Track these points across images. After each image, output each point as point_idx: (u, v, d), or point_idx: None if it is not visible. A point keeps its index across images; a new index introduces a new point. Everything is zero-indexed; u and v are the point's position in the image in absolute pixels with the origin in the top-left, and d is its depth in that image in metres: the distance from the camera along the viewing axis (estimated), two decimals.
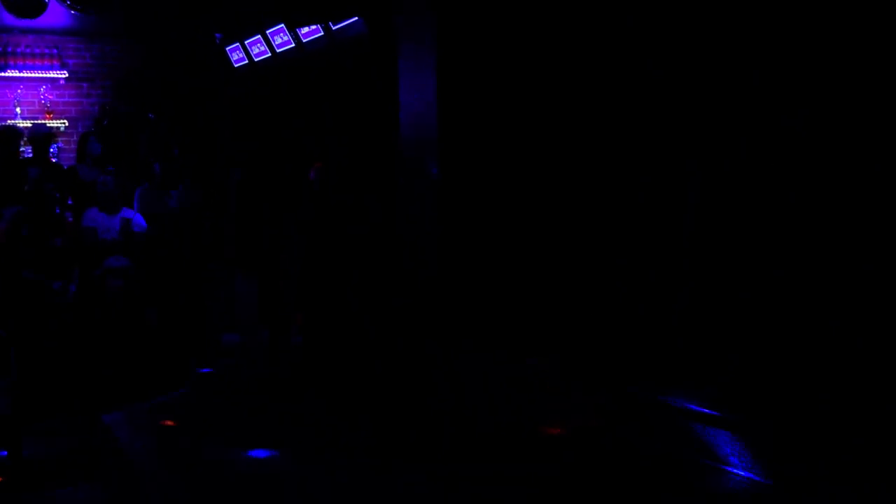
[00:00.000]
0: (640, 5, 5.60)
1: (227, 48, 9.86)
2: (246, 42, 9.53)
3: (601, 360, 5.65)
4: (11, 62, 10.33)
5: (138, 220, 7.42)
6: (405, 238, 6.23)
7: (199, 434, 5.55)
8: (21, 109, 10.37)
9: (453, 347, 5.71)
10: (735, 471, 4.53)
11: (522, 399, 5.60)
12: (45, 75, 10.48)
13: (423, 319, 5.91)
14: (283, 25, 8.83)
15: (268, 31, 9.10)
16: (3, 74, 10.25)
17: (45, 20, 9.29)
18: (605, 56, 5.87)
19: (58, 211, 7.20)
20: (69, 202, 7.87)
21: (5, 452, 5.50)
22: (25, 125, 9.88)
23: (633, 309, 5.71)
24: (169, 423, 5.88)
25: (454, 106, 5.99)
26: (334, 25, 8.13)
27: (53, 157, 10.13)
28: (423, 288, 5.97)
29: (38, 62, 10.47)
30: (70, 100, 10.74)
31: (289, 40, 8.87)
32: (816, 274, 4.68)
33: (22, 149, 9.07)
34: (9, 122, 10.00)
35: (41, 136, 8.29)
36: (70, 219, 7.59)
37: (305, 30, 8.57)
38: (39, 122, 10.18)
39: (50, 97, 10.57)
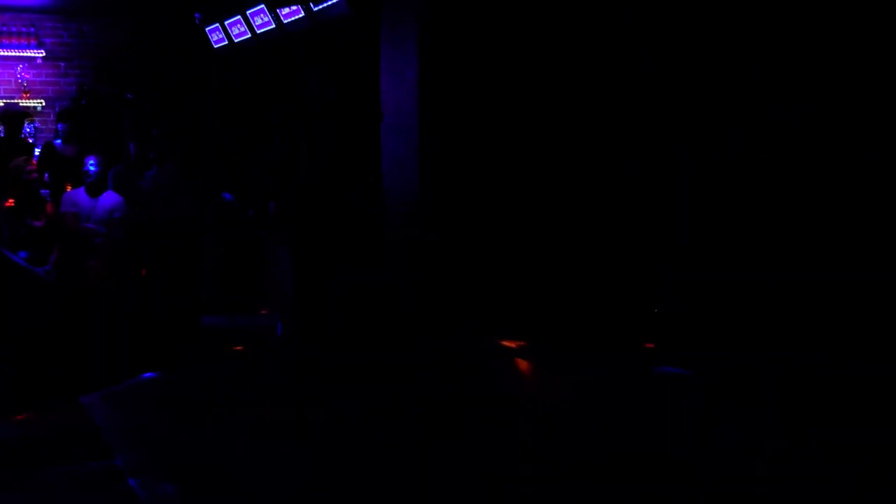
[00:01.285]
0: None
1: (207, 28, 9.78)
2: (226, 22, 9.45)
3: None
4: None
5: (121, 204, 7.35)
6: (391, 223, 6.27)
7: (177, 416, 5.53)
8: None
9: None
10: None
11: None
12: (21, 54, 10.33)
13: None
14: (263, 6, 8.77)
15: (248, 11, 9.03)
16: None
17: None
18: (589, 44, 5.88)
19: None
20: (45, 178, 7.80)
21: None
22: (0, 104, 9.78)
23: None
24: (148, 404, 5.86)
25: (437, 93, 5.99)
26: (315, 6, 8.08)
27: (30, 138, 10.05)
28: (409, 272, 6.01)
29: (14, 41, 10.33)
30: (47, 79, 10.60)
31: (269, 21, 8.80)
32: None
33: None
34: None
35: (13, 115, 8.19)
36: (48, 196, 7.54)
37: (286, 10, 8.51)
38: (14, 101, 10.06)
39: (27, 76, 10.44)
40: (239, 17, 9.17)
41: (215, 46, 9.80)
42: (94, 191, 7.27)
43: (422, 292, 6.08)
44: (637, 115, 5.70)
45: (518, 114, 6.03)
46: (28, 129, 10.19)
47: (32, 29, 10.46)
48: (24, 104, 10.14)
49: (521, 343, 5.85)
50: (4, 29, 10.31)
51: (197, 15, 9.66)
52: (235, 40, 9.43)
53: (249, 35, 9.17)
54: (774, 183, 4.90)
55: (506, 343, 5.87)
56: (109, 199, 7.31)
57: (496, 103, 6.03)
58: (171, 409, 5.75)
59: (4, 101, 9.94)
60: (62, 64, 10.69)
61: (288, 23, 8.56)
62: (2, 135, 8.46)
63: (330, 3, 7.84)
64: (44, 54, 10.47)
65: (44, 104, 10.44)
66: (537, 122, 6.03)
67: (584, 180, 6.01)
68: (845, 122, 4.63)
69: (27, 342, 6.19)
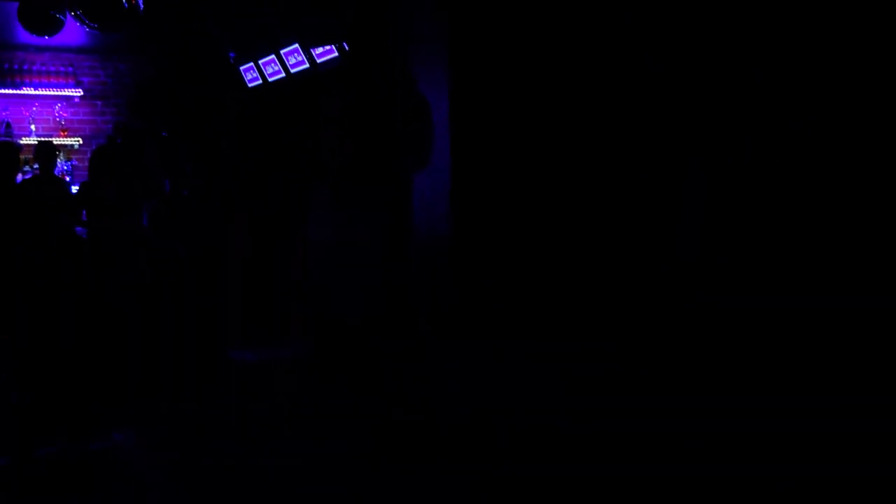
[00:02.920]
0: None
1: (241, 67, 9.88)
2: (260, 61, 9.54)
3: None
4: (27, 80, 10.39)
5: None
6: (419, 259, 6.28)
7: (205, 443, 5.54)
8: (36, 127, 10.42)
9: None
10: None
11: None
12: (59, 93, 10.53)
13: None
14: (297, 45, 8.85)
15: (282, 51, 9.11)
16: (18, 92, 10.30)
17: (60, 38, 9.35)
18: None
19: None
20: (83, 217, 7.90)
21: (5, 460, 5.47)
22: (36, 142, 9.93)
23: None
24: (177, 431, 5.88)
25: (467, 129, 6.01)
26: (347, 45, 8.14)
27: (67, 175, 10.19)
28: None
29: (53, 80, 10.53)
30: (84, 118, 10.78)
31: (303, 60, 8.88)
32: None
33: (35, 165, 9.11)
34: (23, 139, 10.06)
35: (46, 151, 8.31)
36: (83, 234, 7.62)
37: (319, 50, 8.58)
38: (52, 139, 10.21)
39: (65, 115, 10.62)
40: (273, 56, 9.26)
41: (249, 86, 9.89)
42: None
43: None
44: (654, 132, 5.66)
45: (544, 145, 6.02)
46: (66, 167, 10.35)
47: (71, 68, 10.65)
48: (61, 142, 10.29)
49: None
50: (44, 69, 10.51)
51: (231, 54, 9.78)
52: (270, 79, 9.51)
53: (283, 74, 9.24)
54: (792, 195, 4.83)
55: None
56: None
57: (519, 131, 6.04)
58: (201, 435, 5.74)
59: (42, 138, 10.10)
60: (99, 103, 10.87)
61: (321, 62, 8.63)
62: (37, 171, 8.57)
63: None
64: (81, 93, 10.65)
65: (81, 142, 10.61)
66: (566, 154, 6.02)
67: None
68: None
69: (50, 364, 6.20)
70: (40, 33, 8.91)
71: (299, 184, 8.62)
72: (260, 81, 9.71)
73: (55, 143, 9.51)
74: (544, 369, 5.49)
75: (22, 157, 8.52)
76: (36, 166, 8.87)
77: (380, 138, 7.20)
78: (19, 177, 8.43)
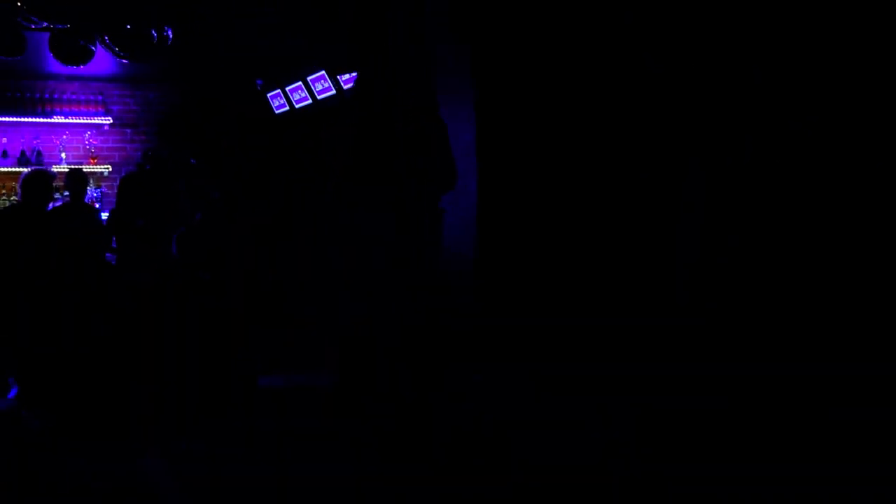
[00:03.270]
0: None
1: (269, 94, 9.97)
2: (287, 88, 9.63)
3: None
4: (57, 108, 10.54)
5: None
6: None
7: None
8: (66, 154, 10.55)
9: None
10: None
11: None
12: (89, 121, 10.66)
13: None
14: (323, 72, 8.93)
15: (308, 78, 9.19)
16: (49, 120, 10.45)
17: (90, 68, 9.46)
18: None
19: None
20: (113, 244, 7.97)
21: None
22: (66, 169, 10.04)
23: None
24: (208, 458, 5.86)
25: (491, 152, 6.03)
26: None
27: (97, 202, 10.29)
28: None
29: (83, 108, 10.67)
30: (114, 145, 10.91)
31: (329, 87, 8.95)
32: None
33: (65, 193, 9.22)
34: (53, 167, 10.17)
35: (76, 180, 8.40)
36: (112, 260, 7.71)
37: (346, 77, 8.65)
38: (82, 166, 10.33)
39: (94, 143, 10.75)
40: (300, 83, 9.35)
41: (276, 112, 9.98)
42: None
43: None
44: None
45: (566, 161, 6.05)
46: (95, 194, 10.45)
47: (101, 97, 10.78)
48: (91, 169, 10.39)
49: None
50: (74, 97, 10.65)
51: (259, 81, 9.87)
52: (297, 106, 9.60)
53: (310, 101, 9.33)
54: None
55: None
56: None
57: (537, 142, 6.07)
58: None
59: (73, 165, 10.21)
60: (128, 130, 10.99)
61: (346, 89, 8.69)
62: (68, 199, 8.67)
63: None
64: (111, 121, 10.77)
65: (111, 169, 10.72)
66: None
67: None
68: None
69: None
70: (71, 63, 9.02)
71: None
72: (287, 108, 9.79)
73: (85, 170, 9.62)
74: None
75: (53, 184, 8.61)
76: (66, 193, 8.97)
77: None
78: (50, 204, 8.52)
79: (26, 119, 10.37)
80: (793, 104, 4.77)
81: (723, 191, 5.13)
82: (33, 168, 8.62)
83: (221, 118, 10.47)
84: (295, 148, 9.86)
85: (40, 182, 7.46)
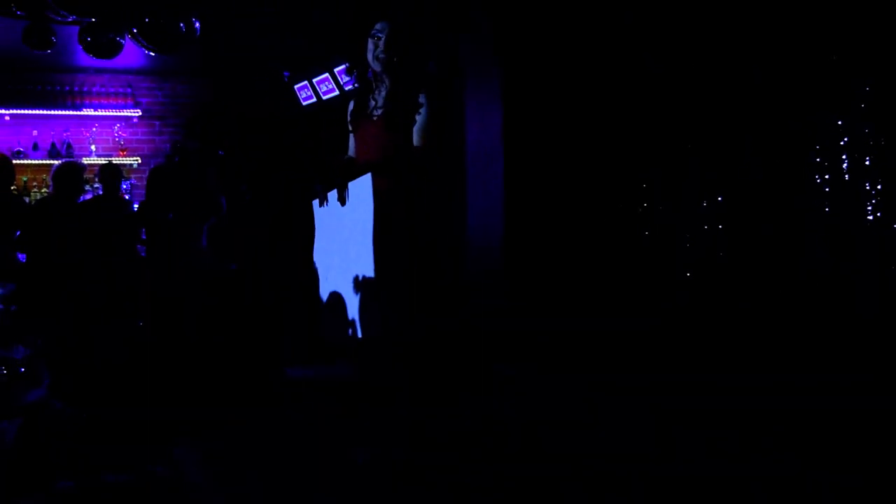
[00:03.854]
0: None
1: (296, 87, 9.99)
2: (314, 80, 9.64)
3: None
4: (87, 101, 10.63)
5: None
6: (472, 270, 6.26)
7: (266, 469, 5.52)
8: (96, 147, 10.64)
9: None
10: None
11: None
12: (118, 114, 10.74)
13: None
14: (348, 64, 8.92)
15: (335, 69, 9.20)
16: (78, 113, 10.54)
17: (119, 60, 9.53)
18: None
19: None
20: (143, 236, 8.03)
21: (71, 483, 5.50)
22: (100, 162, 10.11)
23: None
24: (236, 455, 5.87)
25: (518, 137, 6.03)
26: None
27: (126, 194, 10.36)
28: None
29: (112, 101, 10.75)
30: (143, 137, 10.98)
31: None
32: None
33: (96, 185, 9.30)
34: (83, 159, 10.25)
35: (111, 173, 8.46)
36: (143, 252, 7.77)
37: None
38: (112, 158, 10.41)
39: (123, 135, 10.83)
40: (327, 75, 9.36)
41: (303, 104, 9.99)
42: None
43: None
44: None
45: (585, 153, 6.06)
46: (125, 186, 10.52)
47: (129, 90, 10.86)
48: (120, 161, 10.47)
49: None
50: (103, 90, 10.73)
51: (286, 73, 9.89)
52: (324, 97, 9.61)
53: (337, 92, 9.34)
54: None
55: None
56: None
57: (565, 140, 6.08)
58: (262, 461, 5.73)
59: (103, 158, 10.29)
60: (157, 123, 11.06)
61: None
62: (100, 192, 8.74)
63: None
64: (140, 113, 10.85)
65: (140, 161, 10.80)
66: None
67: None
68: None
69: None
70: (100, 56, 9.07)
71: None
72: (314, 100, 9.80)
73: (114, 162, 9.69)
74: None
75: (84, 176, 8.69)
76: (97, 186, 9.04)
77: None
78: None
79: (56, 112, 10.46)
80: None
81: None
82: (64, 160, 8.71)
83: (250, 109, 10.49)
84: (328, 140, 9.87)
85: (71, 174, 7.53)
